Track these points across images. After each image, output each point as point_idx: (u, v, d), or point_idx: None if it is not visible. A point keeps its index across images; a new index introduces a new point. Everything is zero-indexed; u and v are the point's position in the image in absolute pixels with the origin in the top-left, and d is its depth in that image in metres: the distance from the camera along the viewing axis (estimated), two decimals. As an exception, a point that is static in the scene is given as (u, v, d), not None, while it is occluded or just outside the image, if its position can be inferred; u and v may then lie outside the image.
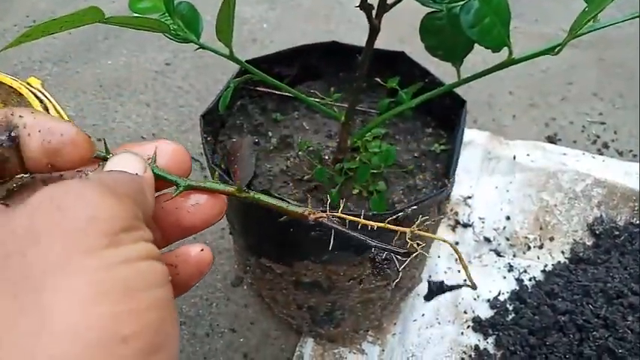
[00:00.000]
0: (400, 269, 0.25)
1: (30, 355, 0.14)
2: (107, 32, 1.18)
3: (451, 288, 0.70)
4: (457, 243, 0.76)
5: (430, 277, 0.71)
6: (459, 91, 0.55)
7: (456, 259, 0.74)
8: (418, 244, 0.26)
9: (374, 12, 0.45)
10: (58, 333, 0.15)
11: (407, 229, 0.25)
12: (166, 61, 1.11)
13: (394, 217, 0.46)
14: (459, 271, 0.73)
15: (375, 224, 0.26)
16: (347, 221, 0.26)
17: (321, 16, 1.21)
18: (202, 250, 0.25)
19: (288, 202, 0.26)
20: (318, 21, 1.20)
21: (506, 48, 0.44)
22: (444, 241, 0.26)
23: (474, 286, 0.27)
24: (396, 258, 0.26)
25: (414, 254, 0.26)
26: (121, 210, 0.18)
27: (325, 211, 0.25)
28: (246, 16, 1.23)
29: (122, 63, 1.10)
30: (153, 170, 0.23)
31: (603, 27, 0.43)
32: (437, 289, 0.68)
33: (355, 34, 1.13)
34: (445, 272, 0.72)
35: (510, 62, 0.46)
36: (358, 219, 0.26)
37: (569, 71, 1.07)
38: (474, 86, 1.01)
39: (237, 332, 0.70)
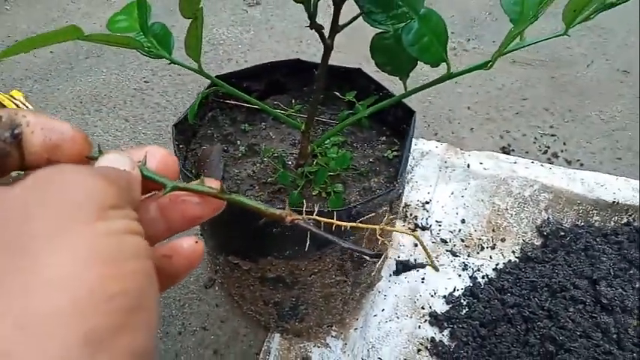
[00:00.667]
0: (374, 271, 0.27)
1: (21, 306, 0.16)
2: (88, 51, 1.23)
3: (416, 266, 0.76)
4: (416, 245, 0.81)
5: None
6: (421, 106, 0.62)
7: (416, 255, 0.80)
8: (384, 243, 0.29)
9: (327, 32, 0.51)
10: (49, 286, 0.17)
11: (376, 226, 0.27)
12: (145, 79, 1.16)
13: (347, 211, 0.52)
14: (417, 271, 0.78)
15: (348, 224, 0.28)
16: (322, 223, 0.28)
17: (292, 38, 1.28)
18: (196, 242, 0.26)
19: (267, 205, 0.27)
20: (289, 42, 1.27)
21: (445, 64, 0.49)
22: (410, 233, 0.28)
23: (435, 268, 0.29)
24: (365, 258, 0.29)
25: (382, 256, 0.28)
26: (110, 190, 0.20)
27: (301, 214, 0.27)
28: (223, 37, 1.29)
29: (102, 80, 1.15)
30: (142, 171, 0.25)
31: (528, 45, 0.49)
32: (403, 267, 0.74)
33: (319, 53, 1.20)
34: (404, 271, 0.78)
35: (448, 76, 0.52)
36: (332, 220, 0.28)
37: (523, 88, 1.15)
38: (434, 102, 1.09)
39: (208, 330, 0.74)
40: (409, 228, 0.83)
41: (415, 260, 0.79)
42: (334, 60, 1.16)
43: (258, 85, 0.68)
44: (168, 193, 0.25)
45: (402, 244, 0.81)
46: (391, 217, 0.62)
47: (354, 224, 0.28)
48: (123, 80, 1.16)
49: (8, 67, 1.17)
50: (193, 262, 0.25)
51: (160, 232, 0.26)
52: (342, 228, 0.28)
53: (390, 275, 0.77)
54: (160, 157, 0.26)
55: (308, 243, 0.29)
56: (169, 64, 0.50)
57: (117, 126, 1.05)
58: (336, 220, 0.28)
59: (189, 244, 0.25)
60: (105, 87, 1.14)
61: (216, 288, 0.79)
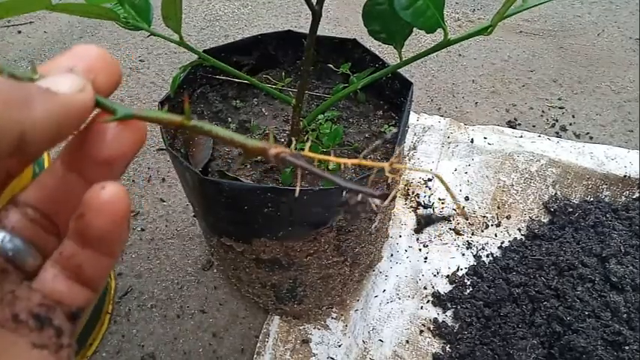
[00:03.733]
0: (380, 209, 0.22)
1: None
2: (82, 31, 1.20)
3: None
4: (419, 223, 0.79)
5: (397, 276, 0.73)
6: (424, 80, 0.59)
7: (418, 234, 0.77)
8: (390, 185, 0.22)
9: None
10: None
11: (384, 164, 0.22)
12: (140, 58, 1.13)
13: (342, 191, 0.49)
14: (419, 250, 0.76)
15: (349, 161, 0.22)
16: (315, 160, 0.22)
17: (290, 13, 1.24)
18: (105, 188, 0.19)
19: (244, 136, 0.22)
20: (288, 17, 1.23)
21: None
22: (430, 172, 0.22)
23: (465, 215, 0.23)
24: (371, 201, 0.20)
25: (391, 195, 0.22)
26: None
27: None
28: (220, 13, 1.25)
29: (96, 60, 1.13)
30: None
31: (531, 6, 0.46)
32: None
33: (322, 28, 1.16)
34: (406, 251, 0.75)
35: (446, 43, 0.49)
36: (329, 157, 0.22)
37: (530, 59, 1.10)
38: (438, 76, 1.05)
39: (206, 313, 0.72)
40: (411, 206, 0.81)
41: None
42: (334, 34, 1.12)
43: (249, 58, 0.65)
44: (119, 120, 0.19)
45: (404, 223, 0.79)
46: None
47: (356, 161, 0.22)
48: (118, 59, 1.12)
49: (2, 49, 1.14)
50: (117, 217, 0.19)
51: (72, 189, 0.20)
52: (342, 166, 0.23)
53: (392, 255, 0.75)
54: (96, 58, 0.19)
55: (299, 187, 0.22)
56: (148, 36, 0.47)
57: (112, 107, 1.02)
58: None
59: (99, 192, 0.19)
60: (99, 67, 1.11)
61: (215, 270, 0.77)
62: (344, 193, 0.23)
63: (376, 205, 0.21)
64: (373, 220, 0.58)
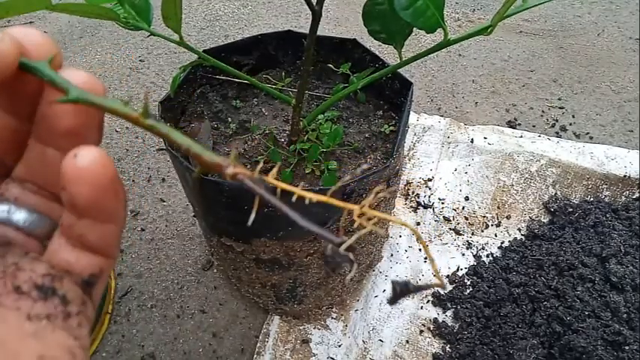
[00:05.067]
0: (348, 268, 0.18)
1: None
2: (82, 31, 1.20)
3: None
4: (418, 223, 0.79)
5: (397, 276, 0.73)
6: (424, 80, 0.59)
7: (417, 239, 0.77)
8: (369, 225, 0.19)
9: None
10: None
11: (355, 206, 0.19)
12: (140, 58, 1.13)
13: (341, 190, 0.49)
14: (419, 250, 0.76)
15: (315, 196, 0.19)
16: (278, 189, 0.19)
17: (290, 13, 1.24)
18: (76, 156, 0.17)
19: (204, 147, 0.19)
20: (288, 17, 1.23)
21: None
22: (402, 223, 0.20)
23: (442, 285, 0.20)
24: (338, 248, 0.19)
25: (349, 242, 0.19)
26: None
27: (252, 171, 0.19)
28: (220, 13, 1.25)
29: (97, 60, 1.13)
30: (28, 63, 0.18)
31: (531, 6, 0.46)
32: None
33: (322, 28, 1.16)
34: (406, 251, 0.75)
35: (446, 43, 0.49)
36: (293, 188, 0.19)
37: (530, 59, 1.10)
38: (438, 76, 1.05)
39: (206, 313, 0.72)
40: (411, 206, 0.81)
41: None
42: (334, 34, 1.12)
43: (249, 58, 0.65)
44: (72, 102, 0.18)
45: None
46: (387, 194, 0.59)
47: (323, 198, 0.19)
48: (118, 59, 1.13)
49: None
50: (99, 183, 0.18)
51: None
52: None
53: (392, 255, 0.75)
54: (32, 33, 0.18)
55: (253, 214, 0.19)
56: (148, 36, 0.47)
57: (112, 107, 1.02)
58: (304, 190, 0.19)
59: (73, 161, 0.17)
60: (100, 66, 1.11)
61: (215, 270, 0.77)
62: (328, 247, 0.20)
63: (348, 259, 0.19)
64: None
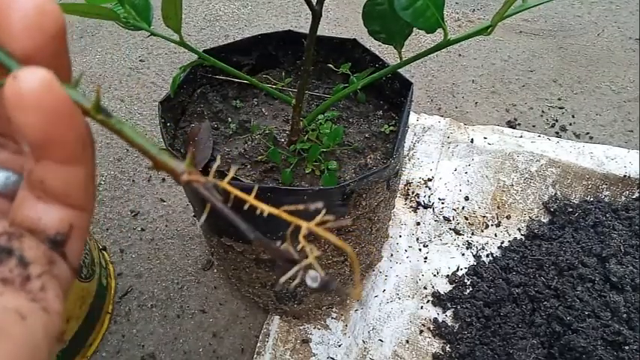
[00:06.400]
0: (280, 280, 0.18)
1: None
2: (82, 31, 1.20)
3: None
4: (418, 223, 0.79)
5: (397, 276, 0.73)
6: (424, 80, 0.59)
7: (418, 234, 0.77)
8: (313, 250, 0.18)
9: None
10: None
11: (303, 223, 0.18)
12: (140, 58, 1.13)
13: (340, 190, 0.49)
14: (419, 250, 0.76)
15: (267, 209, 0.18)
16: (231, 195, 0.18)
17: (290, 13, 1.24)
18: (35, 76, 0.15)
19: (158, 149, 0.18)
20: (288, 17, 1.23)
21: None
22: (345, 248, 0.18)
23: (359, 297, 0.18)
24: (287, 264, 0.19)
25: (297, 263, 0.19)
26: None
27: (207, 176, 0.18)
28: (220, 13, 1.25)
29: (97, 60, 1.13)
30: None
31: (531, 6, 0.46)
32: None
33: (322, 28, 1.16)
34: (406, 251, 0.75)
35: (446, 43, 0.49)
36: (246, 196, 0.18)
37: (530, 59, 1.10)
38: (438, 76, 1.05)
39: (206, 313, 0.72)
40: (411, 206, 0.81)
41: (418, 239, 0.77)
42: (334, 34, 1.12)
43: (249, 59, 0.65)
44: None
45: (404, 223, 0.79)
46: (389, 193, 0.59)
47: (274, 211, 0.18)
48: (118, 59, 1.13)
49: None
50: (47, 109, 0.15)
51: None
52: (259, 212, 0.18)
53: (392, 255, 0.75)
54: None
55: (204, 217, 0.18)
56: (148, 36, 0.48)
57: (112, 106, 1.02)
58: (256, 199, 0.18)
59: (13, 85, 0.15)
60: (100, 66, 1.11)
61: (215, 270, 0.77)
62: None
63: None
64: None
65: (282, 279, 0.18)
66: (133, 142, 0.18)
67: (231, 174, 0.20)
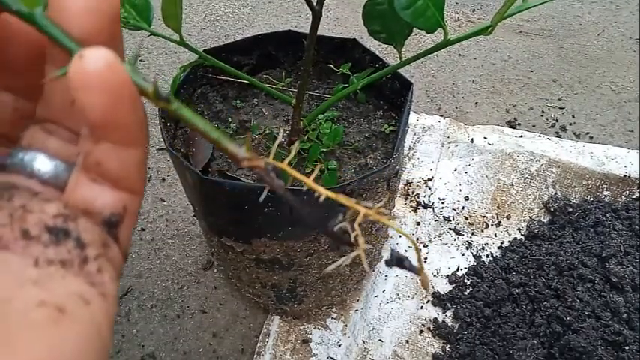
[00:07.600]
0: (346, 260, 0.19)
1: None
2: (82, 31, 1.20)
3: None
4: (418, 223, 0.79)
5: (397, 276, 0.72)
6: (424, 80, 0.59)
7: (418, 234, 0.77)
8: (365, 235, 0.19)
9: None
10: None
11: (363, 208, 0.19)
12: (140, 58, 1.13)
13: (341, 190, 0.49)
14: (420, 250, 0.76)
15: (326, 193, 0.19)
16: (290, 178, 0.20)
17: (290, 13, 1.24)
18: (99, 56, 0.15)
19: (225, 135, 0.19)
20: (288, 17, 1.23)
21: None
22: (409, 238, 0.20)
23: (425, 285, 0.21)
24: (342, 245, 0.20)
25: (357, 248, 0.20)
26: None
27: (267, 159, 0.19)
28: (220, 13, 1.25)
29: (96, 60, 1.13)
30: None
31: (532, 6, 0.46)
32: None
33: (322, 28, 1.16)
34: (406, 250, 0.75)
35: (446, 43, 0.49)
36: (305, 179, 0.19)
37: (530, 59, 1.10)
38: (438, 76, 1.05)
39: (206, 313, 0.72)
40: (411, 206, 0.81)
41: (418, 239, 0.77)
42: (334, 34, 1.12)
43: (249, 59, 0.65)
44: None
45: (404, 223, 0.79)
46: (389, 193, 0.59)
47: (332, 195, 0.19)
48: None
49: (1, 49, 1.14)
50: (112, 88, 0.15)
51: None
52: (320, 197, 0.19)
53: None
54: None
55: (264, 194, 0.19)
56: (148, 36, 0.48)
57: (112, 107, 1.02)
58: (320, 186, 0.19)
59: (79, 64, 0.15)
60: (100, 67, 1.11)
61: (215, 270, 0.77)
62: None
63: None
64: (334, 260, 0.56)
65: (343, 261, 0.19)
66: (195, 127, 0.18)
67: (279, 139, 0.22)
